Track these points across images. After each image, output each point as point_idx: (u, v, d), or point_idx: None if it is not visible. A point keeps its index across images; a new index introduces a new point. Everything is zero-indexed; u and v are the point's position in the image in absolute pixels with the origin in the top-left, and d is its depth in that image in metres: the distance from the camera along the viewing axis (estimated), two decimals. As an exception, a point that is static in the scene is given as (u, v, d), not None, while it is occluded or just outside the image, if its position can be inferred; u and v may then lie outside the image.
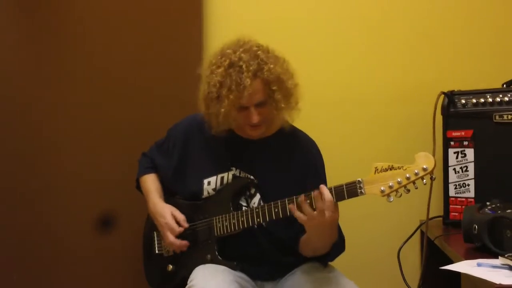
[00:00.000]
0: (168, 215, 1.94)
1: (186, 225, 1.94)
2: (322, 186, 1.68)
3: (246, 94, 1.75)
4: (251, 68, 1.76)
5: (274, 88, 1.79)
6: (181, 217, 1.95)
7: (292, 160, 1.93)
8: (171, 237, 1.93)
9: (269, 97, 1.81)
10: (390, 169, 1.62)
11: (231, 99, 1.76)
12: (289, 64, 1.87)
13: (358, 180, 1.65)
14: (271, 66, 1.79)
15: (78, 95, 2.45)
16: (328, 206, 1.65)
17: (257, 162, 1.94)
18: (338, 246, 1.87)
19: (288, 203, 1.76)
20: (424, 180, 1.61)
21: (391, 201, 1.63)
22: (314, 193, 1.68)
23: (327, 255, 1.87)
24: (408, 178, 1.60)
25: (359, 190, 1.65)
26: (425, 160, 1.60)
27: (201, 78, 1.87)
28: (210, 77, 1.82)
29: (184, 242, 1.93)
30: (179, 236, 1.94)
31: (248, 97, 1.77)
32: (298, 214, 1.71)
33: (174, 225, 1.93)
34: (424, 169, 1.59)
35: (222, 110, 1.78)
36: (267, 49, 1.85)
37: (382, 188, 1.62)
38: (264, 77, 1.78)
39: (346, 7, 2.49)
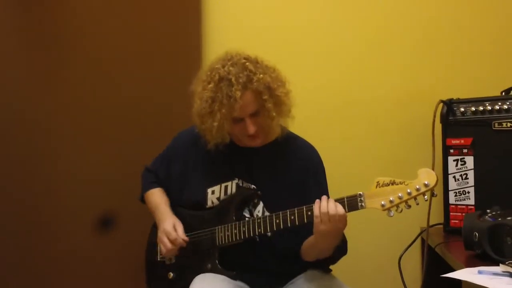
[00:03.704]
0: (170, 224, 1.93)
1: (184, 237, 1.92)
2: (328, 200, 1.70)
3: (237, 106, 1.77)
4: (240, 80, 1.78)
5: (265, 97, 1.81)
6: (180, 228, 1.93)
7: (292, 168, 1.94)
8: (166, 242, 1.91)
9: (261, 107, 1.82)
10: (392, 184, 1.63)
11: (223, 112, 1.79)
12: (279, 73, 1.88)
13: (359, 194, 1.67)
14: (260, 76, 1.81)
15: (78, 96, 2.47)
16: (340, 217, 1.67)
17: (258, 171, 1.94)
18: (340, 248, 1.87)
19: (290, 215, 1.77)
20: (426, 196, 1.62)
21: (391, 216, 1.64)
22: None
23: (330, 258, 1.87)
24: (409, 194, 1.61)
25: (359, 204, 1.66)
26: (427, 176, 1.61)
27: (193, 95, 1.89)
28: (202, 93, 1.84)
29: (183, 238, 1.91)
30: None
31: (241, 109, 1.79)
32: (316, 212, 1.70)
33: (172, 230, 1.91)
34: (426, 185, 1.60)
35: (215, 124, 1.80)
36: (255, 60, 1.86)
37: (382, 203, 1.63)
38: (254, 88, 1.79)
39: (346, 12, 2.50)
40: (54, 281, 2.46)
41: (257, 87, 1.79)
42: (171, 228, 1.92)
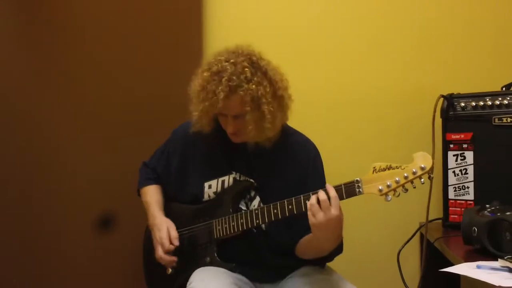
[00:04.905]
0: (164, 230, 1.94)
1: (176, 243, 1.93)
2: (328, 186, 1.68)
3: (218, 106, 1.77)
4: (230, 83, 1.76)
5: (247, 108, 1.78)
6: (175, 235, 1.94)
7: (291, 162, 1.93)
8: (160, 252, 1.93)
9: (242, 115, 1.80)
10: (388, 169, 1.63)
11: (205, 105, 1.79)
12: (281, 84, 1.84)
13: (356, 180, 1.66)
14: (253, 86, 1.77)
15: (78, 95, 2.46)
16: (334, 203, 1.64)
17: (256, 165, 1.94)
18: (337, 247, 1.85)
19: (287, 205, 1.76)
20: (422, 179, 1.61)
21: (389, 201, 1.63)
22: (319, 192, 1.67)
23: (326, 257, 1.86)
24: (406, 177, 1.61)
25: (357, 190, 1.65)
26: (423, 159, 1.60)
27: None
28: (198, 77, 1.85)
29: (173, 258, 1.93)
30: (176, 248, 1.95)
31: (224, 107, 1.79)
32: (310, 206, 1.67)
33: (166, 241, 1.92)
34: (422, 168, 1.59)
35: (195, 113, 1.83)
36: (257, 65, 1.82)
37: (380, 187, 1.63)
38: (240, 95, 1.77)
39: (346, 9, 2.49)
40: (53, 280, 2.46)
41: (243, 96, 1.77)
42: (166, 237, 1.93)
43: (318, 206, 1.64)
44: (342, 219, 1.69)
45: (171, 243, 1.93)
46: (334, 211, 1.64)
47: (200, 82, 1.82)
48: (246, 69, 1.79)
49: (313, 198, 1.66)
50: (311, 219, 1.66)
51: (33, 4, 2.47)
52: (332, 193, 1.65)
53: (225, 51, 1.86)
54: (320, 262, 1.91)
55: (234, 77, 1.76)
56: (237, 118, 1.82)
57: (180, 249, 1.95)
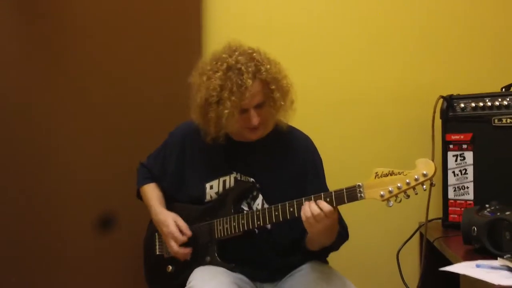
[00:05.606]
0: (172, 224, 1.95)
1: (189, 233, 1.94)
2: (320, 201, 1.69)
3: (248, 95, 1.77)
4: (249, 69, 1.78)
5: (272, 87, 1.81)
6: (184, 225, 1.95)
7: (291, 159, 1.94)
8: (175, 247, 1.94)
9: (268, 98, 1.82)
10: (391, 174, 1.62)
11: (233, 100, 1.77)
12: (281, 66, 1.89)
13: (358, 185, 1.66)
14: (268, 66, 1.81)
15: (78, 95, 2.46)
16: (328, 214, 1.67)
17: (256, 164, 1.94)
18: (341, 235, 1.86)
19: (289, 207, 1.77)
20: (424, 186, 1.61)
21: (390, 206, 1.63)
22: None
23: (332, 246, 1.86)
24: (408, 184, 1.60)
25: (359, 195, 1.66)
26: (426, 166, 1.60)
27: (194, 87, 1.87)
28: (207, 82, 1.81)
29: (188, 250, 1.94)
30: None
31: (249, 99, 1.78)
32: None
33: (178, 234, 1.93)
34: (424, 175, 1.59)
35: (226, 111, 1.78)
36: (259, 51, 1.87)
37: (381, 193, 1.63)
38: (263, 78, 1.80)
39: (346, 9, 2.50)
40: (53, 280, 2.46)
41: (266, 77, 1.80)
42: (176, 230, 1.93)
43: (314, 219, 1.67)
44: (337, 217, 1.72)
45: (182, 234, 1.93)
46: (328, 221, 1.67)
47: (217, 83, 1.78)
48: (254, 54, 1.82)
49: (307, 211, 1.67)
50: (309, 229, 1.71)
51: (32, 4, 2.47)
52: (326, 208, 1.66)
53: (220, 50, 1.87)
54: (327, 251, 1.92)
55: (249, 64, 1.79)
56: (260, 107, 1.82)
57: (188, 241, 1.95)
